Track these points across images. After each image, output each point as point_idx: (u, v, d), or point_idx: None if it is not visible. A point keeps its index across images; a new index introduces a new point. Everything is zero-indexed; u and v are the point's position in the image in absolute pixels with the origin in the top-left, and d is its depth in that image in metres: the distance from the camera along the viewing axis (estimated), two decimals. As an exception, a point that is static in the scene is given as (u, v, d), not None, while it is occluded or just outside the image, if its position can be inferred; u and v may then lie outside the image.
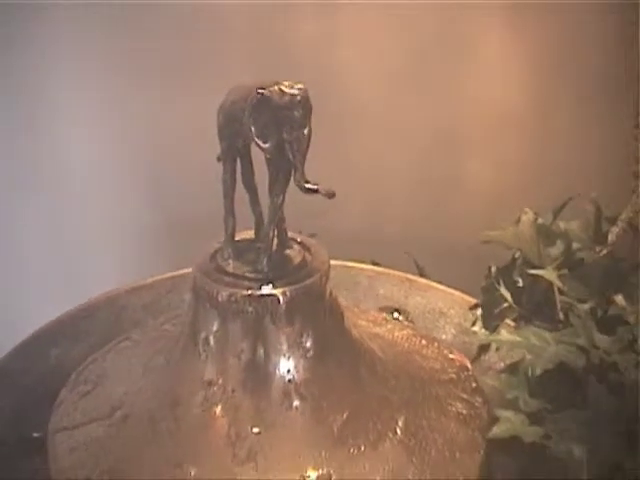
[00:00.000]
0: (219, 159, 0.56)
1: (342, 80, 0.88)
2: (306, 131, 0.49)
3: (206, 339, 0.56)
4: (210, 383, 0.56)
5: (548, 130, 0.86)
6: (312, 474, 0.53)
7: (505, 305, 0.68)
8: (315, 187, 0.50)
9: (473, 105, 0.88)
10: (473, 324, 0.68)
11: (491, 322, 0.67)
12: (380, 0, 0.85)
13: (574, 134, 0.85)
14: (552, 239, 0.67)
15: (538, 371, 0.57)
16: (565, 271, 0.63)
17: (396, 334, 0.67)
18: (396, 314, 0.74)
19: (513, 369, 0.59)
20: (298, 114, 0.49)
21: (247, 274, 0.56)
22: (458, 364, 0.65)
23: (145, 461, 0.55)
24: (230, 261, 0.56)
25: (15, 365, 0.69)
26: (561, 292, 0.64)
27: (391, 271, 0.78)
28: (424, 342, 0.67)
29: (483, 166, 0.91)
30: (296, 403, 0.55)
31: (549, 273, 0.62)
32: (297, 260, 0.56)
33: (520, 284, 0.70)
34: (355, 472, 0.53)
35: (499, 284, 0.69)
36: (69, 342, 0.73)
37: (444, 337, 0.72)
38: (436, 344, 0.67)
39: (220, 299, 0.55)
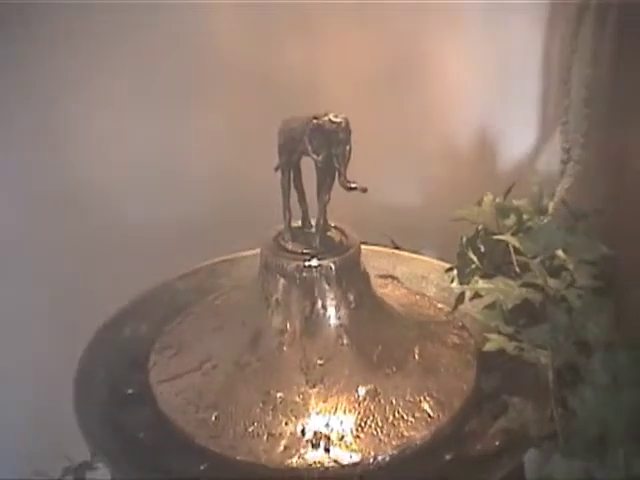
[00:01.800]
0: (277, 169, 0.77)
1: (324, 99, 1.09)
2: (347, 147, 0.71)
3: (277, 300, 0.76)
4: (282, 331, 0.76)
5: (503, 136, 1.09)
6: (362, 390, 0.74)
7: (473, 266, 0.91)
8: (355, 185, 0.72)
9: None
10: (451, 281, 0.91)
11: (464, 279, 0.90)
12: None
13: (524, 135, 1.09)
14: (507, 213, 0.90)
15: (509, 306, 0.80)
16: (519, 236, 0.86)
17: (397, 293, 0.89)
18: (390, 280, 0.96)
19: (491, 307, 0.82)
20: (342, 135, 0.71)
21: (304, 251, 0.76)
22: (445, 311, 0.87)
23: (239, 394, 0.74)
24: (289, 242, 0.77)
25: (101, 340, 0.87)
26: (517, 252, 0.88)
27: (380, 247, 1.00)
28: (418, 297, 0.90)
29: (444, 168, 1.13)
30: (346, 341, 0.76)
31: (508, 237, 0.85)
32: (337, 240, 0.78)
33: (482, 250, 0.93)
34: (392, 386, 0.75)
35: (468, 250, 0.92)
36: (138, 321, 0.91)
37: (428, 295, 0.94)
38: (426, 298, 0.90)
39: (288, 269, 0.75)
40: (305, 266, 0.74)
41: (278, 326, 0.76)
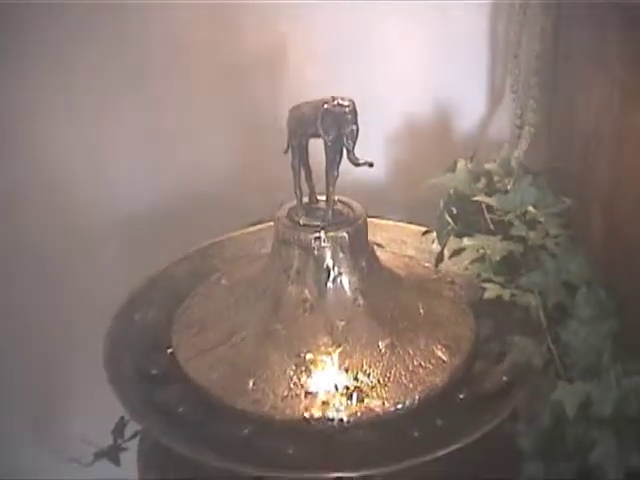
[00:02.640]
0: (286, 152, 0.84)
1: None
2: (355, 127, 0.79)
3: (297, 270, 0.83)
4: (304, 299, 0.83)
5: (456, 107, 1.19)
6: (382, 344, 0.83)
7: (449, 227, 1.00)
8: (363, 161, 0.80)
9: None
10: (432, 242, 1.00)
11: (442, 240, 0.99)
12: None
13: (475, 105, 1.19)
14: (477, 177, 1.00)
15: (497, 258, 0.90)
16: (498, 195, 0.96)
17: (387, 257, 0.98)
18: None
19: (480, 260, 0.91)
20: (350, 117, 0.78)
21: (318, 224, 0.84)
22: (433, 269, 0.97)
23: (271, 359, 0.80)
24: (302, 217, 0.84)
25: (117, 329, 0.90)
26: (490, 211, 0.97)
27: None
28: (406, 259, 0.99)
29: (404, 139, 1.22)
30: (362, 302, 0.84)
31: (485, 198, 0.95)
32: (345, 212, 0.85)
33: (455, 212, 1.02)
34: (407, 339, 0.84)
35: (444, 213, 1.01)
36: (145, 308, 0.95)
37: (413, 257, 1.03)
38: (414, 260, 0.99)
39: (306, 241, 0.82)
40: (322, 237, 0.81)
41: (299, 294, 0.82)
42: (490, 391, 0.80)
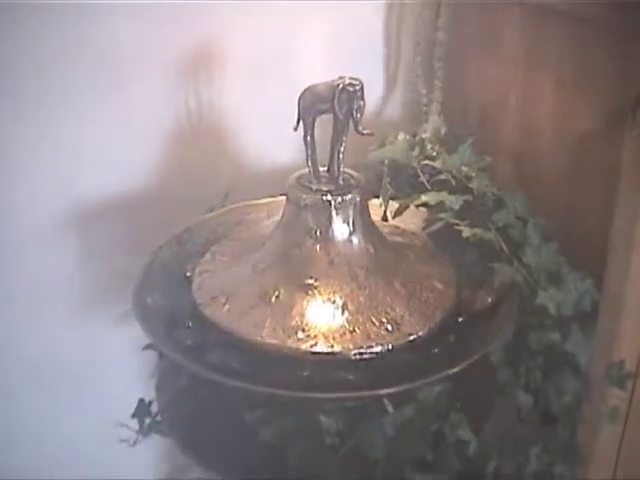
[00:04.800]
0: (296, 129, 0.97)
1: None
2: (363, 102, 0.94)
3: (319, 231, 0.96)
4: (329, 254, 0.97)
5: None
6: (395, 283, 0.98)
7: (389, 192, 1.19)
8: (367, 132, 0.95)
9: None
10: (386, 203, 1.17)
11: (386, 201, 1.17)
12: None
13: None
14: (413, 146, 1.20)
15: (457, 207, 1.10)
16: (443, 158, 1.15)
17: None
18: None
19: (439, 210, 1.10)
20: (360, 93, 0.94)
21: (330, 188, 0.98)
22: (394, 225, 1.14)
23: (310, 307, 0.94)
24: (316, 184, 0.98)
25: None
26: (423, 173, 1.17)
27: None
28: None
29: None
30: (372, 251, 0.99)
31: (431, 163, 1.14)
32: (347, 178, 1.00)
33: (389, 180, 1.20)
34: (413, 275, 1.00)
35: (387, 181, 1.19)
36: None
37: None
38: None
39: (327, 204, 0.96)
40: (340, 199, 0.95)
41: (324, 251, 0.96)
42: (481, 310, 0.98)
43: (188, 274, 1.03)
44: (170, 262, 1.06)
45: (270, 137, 1.29)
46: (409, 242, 1.05)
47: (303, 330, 0.90)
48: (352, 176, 0.98)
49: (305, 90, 0.93)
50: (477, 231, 1.03)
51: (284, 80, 1.27)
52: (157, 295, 0.99)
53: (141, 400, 1.00)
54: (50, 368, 1.25)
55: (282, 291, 0.93)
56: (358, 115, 0.92)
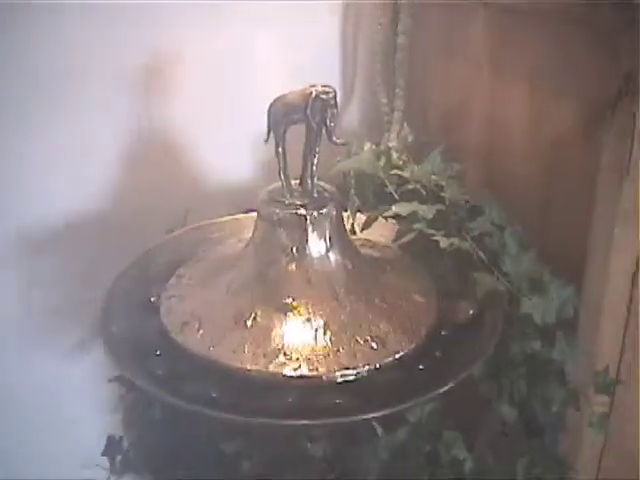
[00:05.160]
0: (267, 141, 0.92)
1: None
2: (336, 110, 0.90)
3: (296, 248, 0.92)
4: (307, 272, 0.92)
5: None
6: (377, 300, 0.94)
7: (357, 204, 1.15)
8: (341, 141, 0.91)
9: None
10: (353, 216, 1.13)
11: (353, 214, 1.13)
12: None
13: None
14: (379, 156, 1.16)
15: (430, 216, 1.06)
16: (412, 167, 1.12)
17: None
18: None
19: (413, 219, 1.06)
20: (333, 101, 0.90)
21: (304, 202, 0.93)
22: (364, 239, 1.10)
23: (292, 328, 0.89)
24: (290, 199, 0.93)
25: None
26: (391, 183, 1.13)
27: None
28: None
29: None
30: (350, 267, 0.95)
31: (400, 172, 1.11)
32: (322, 192, 0.95)
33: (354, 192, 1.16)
34: (391, 292, 0.96)
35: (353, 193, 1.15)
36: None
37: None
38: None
39: (303, 219, 0.91)
40: (317, 214, 0.90)
41: (302, 269, 0.91)
42: (465, 322, 0.95)
43: (153, 299, 0.97)
44: (133, 288, 0.99)
45: (227, 151, 1.24)
46: (383, 255, 1.02)
47: (285, 354, 0.85)
48: (326, 189, 0.93)
49: (275, 100, 0.88)
50: (454, 241, 0.99)
51: (239, 92, 1.22)
52: (122, 323, 0.93)
53: (110, 437, 0.93)
54: (3, 406, 1.17)
55: (259, 313, 0.88)
56: (332, 124, 0.87)
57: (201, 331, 0.89)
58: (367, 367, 0.85)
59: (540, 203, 1.06)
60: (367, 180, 1.14)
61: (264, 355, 0.85)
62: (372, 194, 1.14)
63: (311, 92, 0.86)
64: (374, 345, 0.87)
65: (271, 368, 0.84)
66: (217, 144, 1.23)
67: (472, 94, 1.14)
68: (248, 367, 0.84)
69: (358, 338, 0.87)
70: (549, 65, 1.01)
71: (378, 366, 0.85)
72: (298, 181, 0.94)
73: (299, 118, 0.88)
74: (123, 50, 1.12)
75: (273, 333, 0.88)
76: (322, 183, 0.95)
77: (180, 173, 1.21)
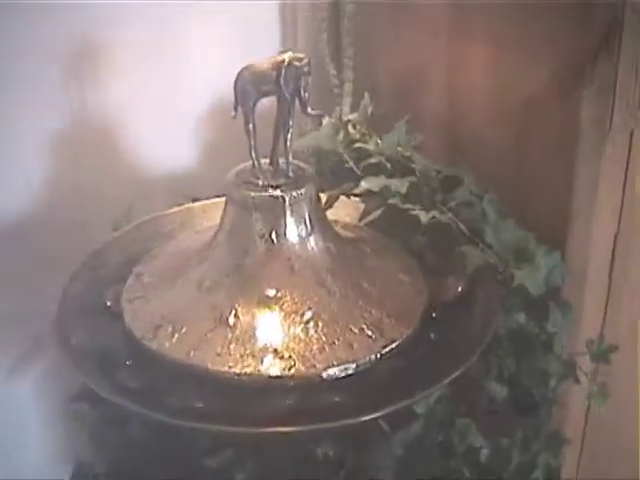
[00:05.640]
0: (234, 116, 0.82)
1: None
2: (309, 79, 0.82)
3: (276, 232, 0.83)
4: (290, 259, 0.84)
5: None
6: (365, 283, 0.86)
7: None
8: (316, 113, 0.83)
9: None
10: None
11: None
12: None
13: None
14: (337, 130, 1.08)
15: (404, 190, 0.99)
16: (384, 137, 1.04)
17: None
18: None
19: (385, 194, 0.99)
20: (307, 69, 0.81)
21: (280, 183, 0.84)
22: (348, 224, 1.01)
23: (280, 322, 0.80)
24: (260, 179, 0.84)
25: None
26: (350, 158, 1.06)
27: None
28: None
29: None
30: (334, 250, 0.87)
31: (367, 146, 1.03)
32: (297, 170, 0.87)
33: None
34: (377, 275, 0.89)
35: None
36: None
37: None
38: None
39: (282, 201, 0.82)
40: (296, 194, 0.82)
41: (284, 255, 0.82)
42: (455, 300, 0.89)
43: (109, 304, 0.86)
44: (86, 293, 0.89)
45: (167, 137, 1.13)
46: (357, 236, 0.94)
47: (275, 351, 0.76)
48: (301, 167, 0.85)
49: (242, 70, 0.79)
50: (434, 214, 0.92)
51: (176, 74, 1.13)
52: (81, 334, 0.82)
53: (80, 464, 0.82)
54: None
55: (240, 309, 0.79)
56: (306, 94, 0.79)
57: (177, 335, 0.79)
58: (367, 358, 0.76)
59: (513, 171, 1.01)
60: (325, 157, 1.06)
61: (252, 355, 0.76)
62: (330, 172, 1.06)
63: (283, 60, 0.77)
64: (370, 333, 0.79)
65: (262, 369, 0.75)
66: (156, 129, 1.12)
67: (429, 61, 1.07)
68: (237, 370, 0.74)
69: (352, 327, 0.79)
70: (515, 20, 0.95)
71: (379, 356, 0.77)
72: (268, 160, 0.84)
73: (270, 89, 0.79)
74: (54, 35, 0.99)
75: (259, 330, 0.79)
76: (296, 161, 0.85)
77: (119, 162, 1.10)
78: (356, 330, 0.79)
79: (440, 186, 1.00)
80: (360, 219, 1.01)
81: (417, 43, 1.09)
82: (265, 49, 1.20)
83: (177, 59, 1.14)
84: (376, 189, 0.98)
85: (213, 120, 1.18)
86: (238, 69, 1.19)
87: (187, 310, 0.81)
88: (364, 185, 0.98)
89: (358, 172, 1.03)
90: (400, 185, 0.97)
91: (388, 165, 1.03)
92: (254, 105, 0.80)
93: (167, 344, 0.79)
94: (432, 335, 0.84)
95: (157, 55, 1.10)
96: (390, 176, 1.01)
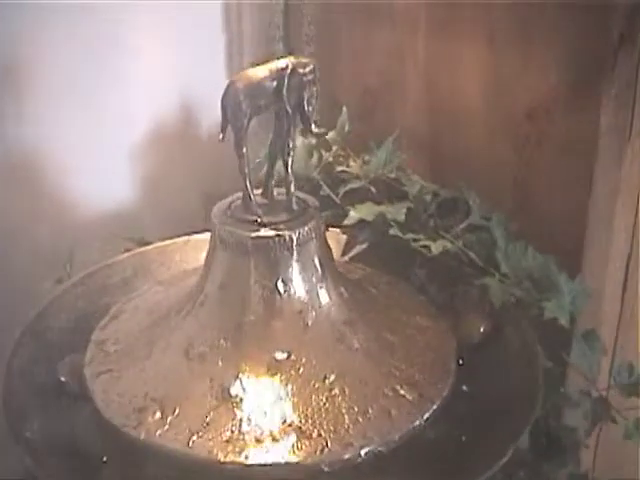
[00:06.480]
0: (222, 139, 0.66)
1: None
2: (316, 89, 0.67)
3: (282, 279, 0.67)
4: (301, 312, 0.69)
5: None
6: (390, 336, 0.72)
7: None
8: (322, 131, 0.69)
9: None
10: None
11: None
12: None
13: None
14: (311, 152, 0.93)
15: (402, 218, 0.85)
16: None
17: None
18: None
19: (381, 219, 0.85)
20: (313, 77, 0.66)
21: (283, 219, 0.69)
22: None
23: (249, 358, 0.66)
24: (256, 214, 0.68)
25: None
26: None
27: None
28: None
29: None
30: (346, 295, 0.72)
31: (353, 168, 0.89)
32: (299, 202, 0.71)
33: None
34: (403, 322, 0.75)
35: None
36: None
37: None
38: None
39: (286, 239, 0.67)
40: (307, 230, 0.67)
41: (293, 307, 0.68)
42: (481, 342, 0.76)
43: (63, 379, 0.68)
44: (33, 367, 0.70)
45: (101, 168, 0.95)
46: (360, 275, 0.80)
47: (300, 429, 0.61)
48: (303, 198, 0.70)
49: (233, 80, 0.64)
50: (445, 244, 0.79)
51: (109, 102, 0.96)
52: (36, 423, 0.64)
53: None
54: None
55: (246, 379, 0.64)
56: (310, 108, 0.64)
57: (169, 418, 0.63)
58: (411, 426, 0.62)
59: (513, 186, 0.89)
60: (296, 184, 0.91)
61: (272, 437, 0.61)
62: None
63: (286, 66, 0.62)
64: (406, 394, 0.65)
65: (287, 455, 0.59)
66: (89, 164, 0.94)
67: (402, 65, 0.94)
68: (255, 460, 0.58)
69: (385, 389, 0.65)
70: (514, 14, 0.83)
71: (423, 422, 0.63)
72: (260, 191, 0.68)
73: (269, 103, 0.63)
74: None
75: (274, 403, 0.62)
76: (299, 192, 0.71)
77: (49, 204, 0.92)
78: (389, 392, 0.65)
79: (438, 210, 0.87)
80: (343, 254, 0.86)
81: (388, 43, 0.95)
82: (208, 68, 1.03)
83: (109, 81, 0.95)
84: (370, 218, 0.84)
85: (154, 150, 1.00)
86: (178, 92, 1.05)
87: (176, 385, 0.65)
88: (354, 215, 0.84)
89: (337, 200, 0.88)
90: (396, 212, 0.83)
91: (373, 190, 0.89)
92: (248, 123, 0.64)
93: (158, 432, 0.62)
94: (464, 387, 0.70)
95: (86, 78, 0.91)
96: (378, 203, 0.87)
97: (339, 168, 0.88)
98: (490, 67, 0.88)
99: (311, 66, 0.65)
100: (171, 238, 0.92)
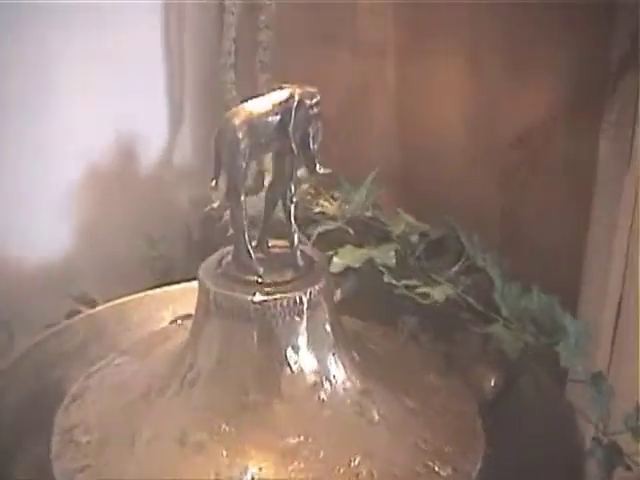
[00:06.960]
0: (215, 187, 0.56)
1: None
2: (320, 124, 0.58)
3: (292, 347, 0.58)
4: (315, 385, 0.59)
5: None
6: (408, 402, 0.64)
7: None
8: (327, 171, 0.60)
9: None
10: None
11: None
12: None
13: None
14: None
15: (393, 262, 0.77)
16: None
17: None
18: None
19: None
20: (318, 110, 0.58)
21: (288, 278, 0.60)
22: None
23: (258, 448, 0.56)
24: (257, 274, 0.58)
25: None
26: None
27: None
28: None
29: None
30: (358, 360, 0.64)
31: (330, 208, 0.81)
32: (306, 259, 0.62)
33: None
34: (418, 383, 0.67)
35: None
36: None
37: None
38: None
39: (296, 302, 0.58)
40: (316, 292, 0.58)
41: (306, 381, 0.59)
42: (495, 397, 0.69)
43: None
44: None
45: (30, 217, 0.83)
46: (355, 330, 0.71)
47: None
48: (308, 253, 0.60)
49: (229, 117, 0.54)
50: (447, 290, 0.72)
51: (40, 138, 0.86)
52: None
53: None
54: None
55: (257, 470, 0.53)
56: (315, 146, 0.55)
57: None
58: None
59: (500, 217, 0.83)
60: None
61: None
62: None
63: (292, 96, 0.53)
64: (440, 471, 0.56)
65: None
66: (18, 209, 0.81)
67: (370, 93, 0.86)
68: None
69: (417, 467, 0.56)
70: (497, 36, 0.77)
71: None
72: (254, 243, 0.59)
73: (270, 141, 0.54)
74: None
75: (295, 498, 0.52)
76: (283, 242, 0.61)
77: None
78: (422, 470, 0.57)
79: (426, 252, 0.79)
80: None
81: (355, 68, 0.87)
82: (147, 102, 0.92)
83: (39, 115, 0.83)
84: (356, 265, 0.75)
85: (90, 191, 0.88)
86: (114, 127, 0.93)
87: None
88: (339, 262, 0.75)
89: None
90: (384, 256, 0.75)
91: (351, 231, 0.80)
92: (247, 166, 0.54)
93: None
94: (487, 450, 0.62)
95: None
96: (358, 245, 0.79)
97: (316, 209, 0.78)
98: (473, 90, 0.80)
99: (318, 97, 0.56)
100: (115, 290, 0.80)
